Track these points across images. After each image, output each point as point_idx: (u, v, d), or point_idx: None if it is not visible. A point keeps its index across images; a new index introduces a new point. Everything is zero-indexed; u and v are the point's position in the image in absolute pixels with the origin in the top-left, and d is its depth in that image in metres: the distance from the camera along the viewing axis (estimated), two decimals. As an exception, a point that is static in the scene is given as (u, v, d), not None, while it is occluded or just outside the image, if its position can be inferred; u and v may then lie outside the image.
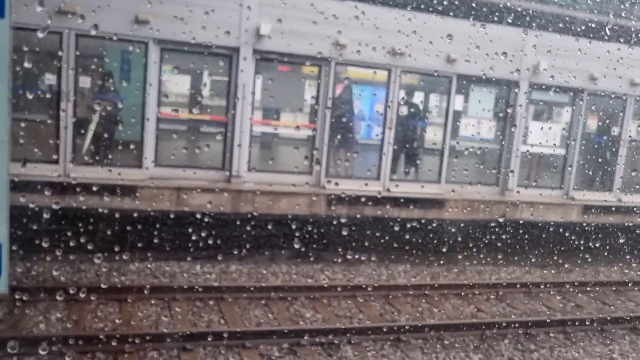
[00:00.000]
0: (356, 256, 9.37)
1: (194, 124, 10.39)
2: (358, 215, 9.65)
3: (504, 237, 10.02)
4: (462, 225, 10.05)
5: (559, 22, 10.89)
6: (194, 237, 8.33)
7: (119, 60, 9.50)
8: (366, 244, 9.25)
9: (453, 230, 9.94)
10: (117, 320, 6.76)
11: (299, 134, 10.62)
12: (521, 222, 10.61)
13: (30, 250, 7.16)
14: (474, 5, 10.22)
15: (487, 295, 9.07)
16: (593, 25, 10.79)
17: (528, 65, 11.00)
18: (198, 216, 8.35)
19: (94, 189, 8.08)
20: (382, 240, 9.36)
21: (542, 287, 9.59)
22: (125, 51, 9.34)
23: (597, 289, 9.91)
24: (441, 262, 10.00)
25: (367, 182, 10.31)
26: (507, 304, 8.81)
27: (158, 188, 8.84)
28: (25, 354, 5.64)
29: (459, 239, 9.91)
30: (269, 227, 9.04)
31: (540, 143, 11.84)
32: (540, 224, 10.62)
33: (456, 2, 10.00)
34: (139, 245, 8.20)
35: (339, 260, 9.49)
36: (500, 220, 10.34)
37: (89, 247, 7.03)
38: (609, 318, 8.35)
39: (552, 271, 10.67)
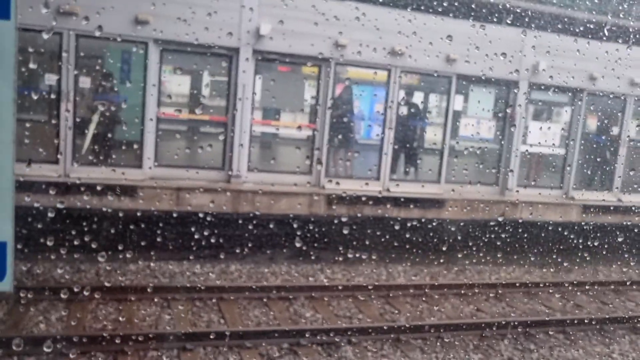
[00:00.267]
0: (357, 254, 9.39)
1: (194, 124, 10.41)
2: (358, 215, 9.67)
3: (503, 236, 10.03)
4: (461, 224, 10.07)
5: (559, 22, 10.91)
6: (194, 237, 8.34)
7: (119, 61, 9.52)
8: (366, 243, 9.27)
9: (453, 229, 9.96)
10: (117, 320, 6.78)
11: (299, 134, 10.65)
12: (520, 221, 10.62)
13: (31, 249, 7.17)
14: (473, 5, 10.23)
15: (487, 295, 9.09)
16: (592, 26, 10.81)
17: (527, 65, 11.02)
18: (198, 216, 8.37)
19: (95, 189, 8.09)
20: (382, 240, 9.38)
21: (541, 286, 9.61)
22: (126, 51, 9.35)
23: (596, 288, 9.93)
24: (441, 261, 10.02)
25: (367, 182, 10.34)
26: (506, 304, 8.83)
27: (158, 188, 8.86)
28: (27, 353, 5.66)
29: (459, 238, 9.93)
30: (269, 226, 9.05)
31: (540, 143, 11.87)
32: (539, 223, 10.64)
33: (456, 3, 10.02)
34: (140, 245, 8.22)
35: (339, 259, 9.51)
36: (500, 219, 10.35)
37: (90, 246, 7.04)
38: (608, 318, 8.38)
39: (552, 270, 10.69)
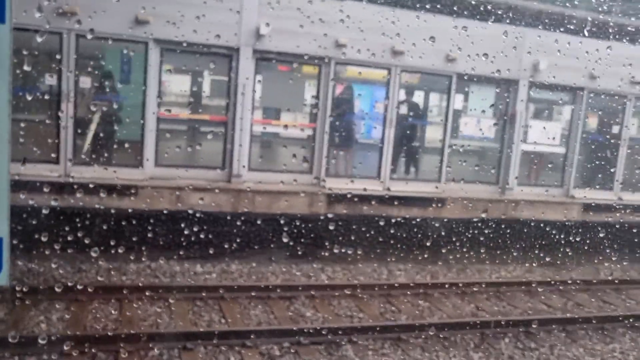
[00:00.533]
0: (358, 252, 9.41)
1: (194, 124, 10.41)
2: (358, 214, 9.68)
3: (504, 235, 10.04)
4: (461, 223, 10.08)
5: (559, 21, 10.90)
6: (193, 237, 8.35)
7: (119, 61, 9.53)
8: (366, 242, 9.28)
9: (452, 228, 9.96)
10: (118, 319, 6.79)
11: (299, 133, 10.66)
12: (520, 220, 10.63)
13: (30, 248, 7.20)
14: (474, 4, 10.23)
15: (487, 294, 9.10)
16: (593, 24, 10.80)
17: (528, 64, 11.02)
18: (198, 215, 8.38)
19: (93, 188, 8.10)
20: (382, 239, 9.39)
21: (541, 285, 9.61)
22: (125, 51, 9.36)
23: (597, 287, 9.93)
24: (440, 260, 10.03)
25: (367, 181, 10.34)
26: (507, 303, 8.83)
27: (157, 188, 8.87)
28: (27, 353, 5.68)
29: (459, 237, 9.93)
30: (269, 225, 9.07)
31: (540, 142, 11.86)
32: (535, 222, 10.63)
33: (456, 2, 10.03)
34: (139, 244, 8.23)
35: (339, 258, 9.52)
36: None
37: (89, 245, 7.06)
38: (609, 316, 8.39)
39: (552, 269, 10.69)
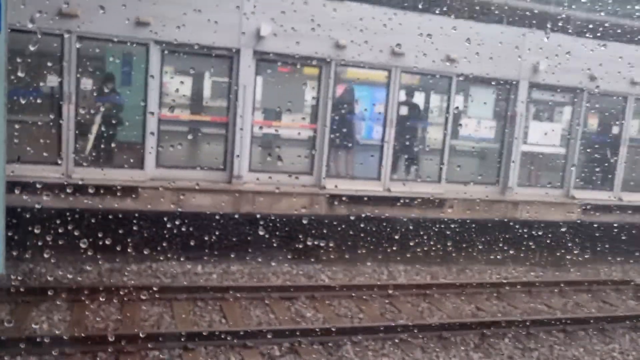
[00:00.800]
0: (358, 252, 9.44)
1: (195, 125, 10.43)
2: (358, 215, 9.69)
3: (505, 236, 10.05)
4: (461, 224, 10.09)
5: (559, 21, 10.92)
6: (194, 237, 8.37)
7: (120, 62, 9.55)
8: (366, 243, 9.29)
9: (453, 229, 9.97)
10: (120, 319, 6.83)
11: (299, 134, 10.68)
12: (521, 220, 10.64)
13: (30, 247, 7.24)
14: (474, 5, 10.25)
15: (488, 294, 9.11)
16: (593, 25, 10.82)
17: (528, 65, 11.03)
18: (199, 216, 8.40)
19: (95, 189, 8.14)
20: (382, 239, 9.41)
21: (542, 285, 9.62)
22: (127, 53, 9.39)
23: (597, 287, 9.94)
24: (441, 260, 10.05)
25: (368, 181, 10.35)
26: (507, 303, 8.84)
27: (158, 189, 8.90)
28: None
29: (459, 237, 9.95)
30: (269, 226, 9.09)
31: (540, 142, 11.86)
32: (536, 222, 10.65)
33: (457, 3, 10.05)
34: (140, 245, 8.26)
35: (339, 258, 9.54)
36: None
37: (91, 246, 7.08)
38: (609, 317, 8.39)
39: (552, 269, 10.70)
